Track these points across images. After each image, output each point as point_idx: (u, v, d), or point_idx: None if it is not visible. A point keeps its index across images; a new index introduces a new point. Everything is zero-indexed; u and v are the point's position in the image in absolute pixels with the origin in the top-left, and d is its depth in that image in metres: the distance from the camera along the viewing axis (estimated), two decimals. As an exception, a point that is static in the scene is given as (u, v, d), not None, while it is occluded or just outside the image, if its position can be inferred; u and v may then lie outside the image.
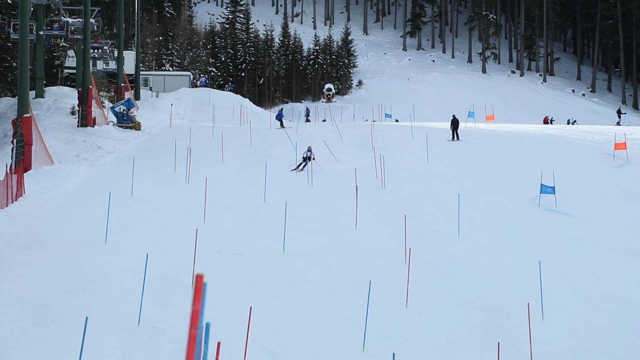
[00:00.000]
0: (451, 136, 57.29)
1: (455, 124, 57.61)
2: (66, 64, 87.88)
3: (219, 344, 8.64)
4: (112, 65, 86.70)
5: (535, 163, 47.82)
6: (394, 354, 14.64)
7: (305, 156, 41.40)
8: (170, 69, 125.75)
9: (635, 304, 25.82)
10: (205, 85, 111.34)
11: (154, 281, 23.10)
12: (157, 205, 35.48)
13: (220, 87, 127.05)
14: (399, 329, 22.25)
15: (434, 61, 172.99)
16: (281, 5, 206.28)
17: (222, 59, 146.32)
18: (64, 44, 77.31)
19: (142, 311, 20.98)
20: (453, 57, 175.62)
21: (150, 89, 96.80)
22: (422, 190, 41.62)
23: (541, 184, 39.44)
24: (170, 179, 41.86)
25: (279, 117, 67.05)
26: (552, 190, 38.78)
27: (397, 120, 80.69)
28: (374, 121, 73.96)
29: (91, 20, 66.51)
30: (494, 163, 49.68)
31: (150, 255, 22.95)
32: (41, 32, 64.01)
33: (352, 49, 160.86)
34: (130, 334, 20.25)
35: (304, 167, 41.04)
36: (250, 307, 18.17)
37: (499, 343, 18.01)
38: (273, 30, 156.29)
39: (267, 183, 38.78)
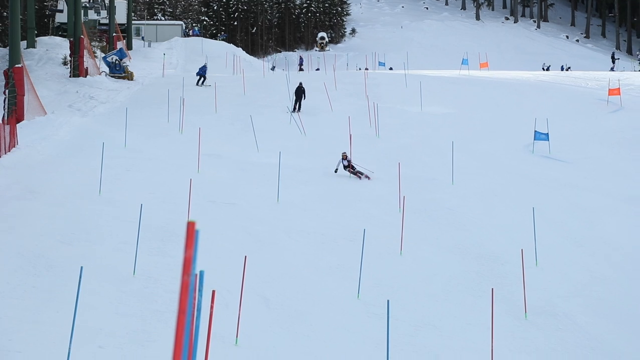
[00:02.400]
0: (292, 107, 47.63)
1: (299, 93, 47.83)
2: (57, 20, 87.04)
3: (213, 292, 8.68)
4: (104, 15, 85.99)
5: (529, 110, 47.75)
6: (388, 301, 14.69)
7: (345, 165, 33.24)
8: (163, 18, 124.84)
9: (628, 248, 25.93)
10: (198, 35, 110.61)
11: (149, 231, 23.12)
12: (150, 155, 35.41)
13: (213, 37, 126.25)
14: (394, 277, 22.34)
15: (427, 8, 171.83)
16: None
17: (215, 7, 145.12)
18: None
19: (137, 261, 21.03)
20: (447, 4, 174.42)
21: (143, 38, 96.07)
22: (416, 139, 41.58)
23: (535, 131, 39.42)
24: (164, 129, 41.73)
25: (202, 72, 58.01)
26: (546, 136, 38.77)
27: (390, 69, 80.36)
28: (367, 69, 73.69)
29: (81, -31, 65.75)
30: (487, 110, 49.57)
31: (145, 206, 22.94)
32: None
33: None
34: (126, 283, 20.31)
35: (354, 173, 33.25)
36: (245, 256, 18.19)
37: (492, 289, 18.08)
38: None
39: (261, 132, 38.67)
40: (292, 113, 45.16)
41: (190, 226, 3.49)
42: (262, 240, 24.63)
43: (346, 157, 32.80)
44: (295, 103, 47.06)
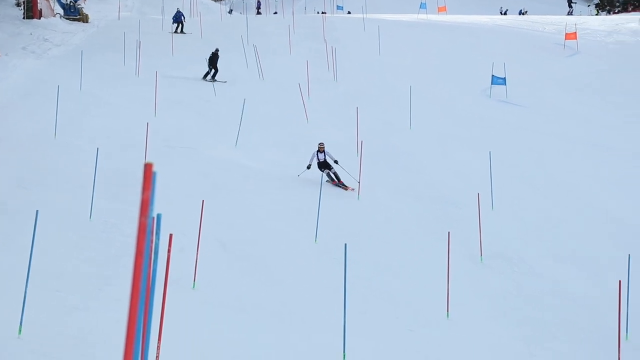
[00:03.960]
0: (206, 73, 41.68)
1: (213, 60, 41.68)
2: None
3: (170, 235, 8.67)
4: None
5: (487, 54, 47.79)
6: (345, 244, 14.77)
7: (321, 160, 25.82)
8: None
9: (583, 192, 26.24)
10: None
11: (105, 175, 22.94)
12: (107, 99, 35.03)
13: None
14: (352, 221, 22.45)
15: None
16: None
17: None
18: None
19: (94, 205, 20.89)
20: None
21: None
22: (374, 83, 41.52)
23: (492, 75, 39.55)
24: (120, 72, 41.24)
25: (178, 19, 54.60)
26: (503, 81, 38.93)
27: (349, 12, 79.88)
28: (324, 13, 73.19)
29: None
30: (445, 55, 49.54)
31: (101, 150, 22.73)
32: None
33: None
34: (83, 228, 20.19)
35: (331, 178, 25.99)
36: (203, 200, 18.15)
37: (449, 233, 18.23)
38: None
39: (219, 76, 38.31)
40: (209, 80, 40.61)
41: (148, 168, 3.47)
42: (220, 184, 24.58)
43: (323, 149, 25.72)
44: (210, 70, 41.12)
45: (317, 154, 25.68)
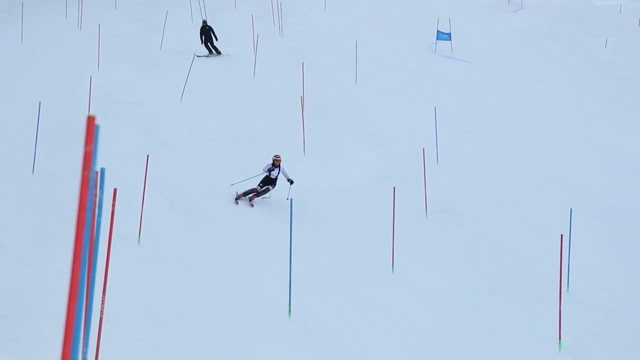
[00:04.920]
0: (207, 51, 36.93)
1: (206, 33, 36.96)
2: None
3: (115, 190, 8.59)
4: None
5: (432, 9, 47.77)
6: (291, 200, 14.76)
7: (272, 177, 20.95)
8: None
9: (525, 146, 26.46)
10: None
11: (48, 129, 22.60)
12: (48, 51, 34.40)
13: None
14: (297, 177, 22.42)
15: None
16: None
17: None
18: None
19: (37, 160, 20.62)
20: None
21: None
22: (319, 38, 41.27)
23: (437, 31, 39.58)
24: (62, 25, 40.51)
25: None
26: (448, 36, 38.98)
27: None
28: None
29: None
30: (391, 10, 49.41)
31: (43, 104, 22.39)
32: None
33: None
34: (26, 182, 19.95)
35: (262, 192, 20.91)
36: (148, 155, 18.01)
37: (394, 188, 18.31)
38: None
39: (165, 32, 37.81)
40: (215, 54, 36.51)
41: (90, 120, 3.39)
42: (166, 140, 24.36)
43: (279, 163, 20.77)
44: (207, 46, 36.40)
45: (270, 170, 20.82)
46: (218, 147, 24.33)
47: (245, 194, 20.77)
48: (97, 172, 4.90)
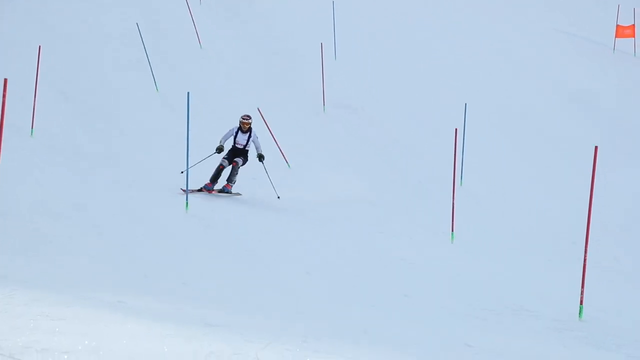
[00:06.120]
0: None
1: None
2: None
3: (5, 80, 8.33)
4: None
5: None
6: (188, 93, 14.52)
7: (239, 144, 15.94)
8: None
9: (419, 40, 26.58)
10: None
11: None
12: None
13: None
14: (194, 70, 22.14)
15: None
16: None
17: None
18: None
19: None
20: None
21: None
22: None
23: None
24: None
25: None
26: None
27: None
28: None
29: None
30: None
31: None
32: None
33: None
34: None
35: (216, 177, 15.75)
36: (40, 46, 17.56)
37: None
38: None
39: None
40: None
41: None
42: (58, 32, 23.54)
43: (249, 125, 15.77)
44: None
45: (237, 133, 15.94)
46: (112, 40, 23.62)
47: (202, 189, 15.45)
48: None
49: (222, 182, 15.45)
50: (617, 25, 28.72)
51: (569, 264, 10.82)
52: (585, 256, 9.67)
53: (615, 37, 28.62)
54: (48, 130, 17.09)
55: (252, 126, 15.74)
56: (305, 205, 15.90)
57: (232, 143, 15.84)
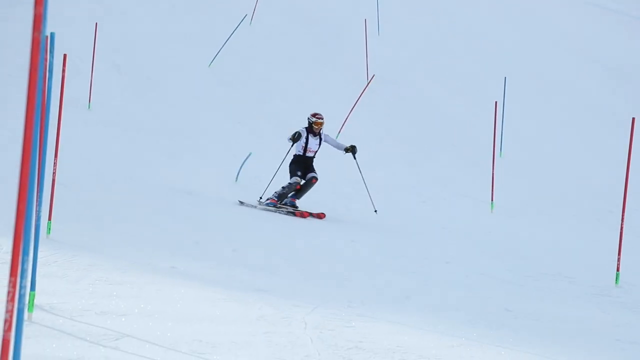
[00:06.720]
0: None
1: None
2: None
3: (64, 55, 8.41)
4: None
5: None
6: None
7: (310, 151, 12.75)
8: None
9: (463, 15, 26.37)
10: None
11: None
12: None
13: None
14: (244, 46, 22.11)
15: None
16: None
17: None
18: None
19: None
20: None
21: None
22: None
23: None
24: None
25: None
26: None
27: None
28: None
29: None
30: None
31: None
32: None
33: None
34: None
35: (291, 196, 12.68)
36: (96, 23, 17.63)
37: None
38: None
39: None
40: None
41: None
42: (112, 7, 23.67)
43: (321, 126, 12.67)
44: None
45: (306, 136, 12.72)
46: (164, 14, 23.71)
47: (279, 197, 12.57)
48: (47, 36, 4.78)
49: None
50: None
51: (607, 232, 10.75)
52: (622, 224, 9.63)
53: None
54: (103, 102, 17.23)
55: (323, 129, 12.73)
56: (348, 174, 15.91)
57: (300, 151, 12.69)
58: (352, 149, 12.69)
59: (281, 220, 11.92)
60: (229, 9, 24.05)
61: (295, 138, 12.51)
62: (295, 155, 12.79)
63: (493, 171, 14.41)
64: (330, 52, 21.85)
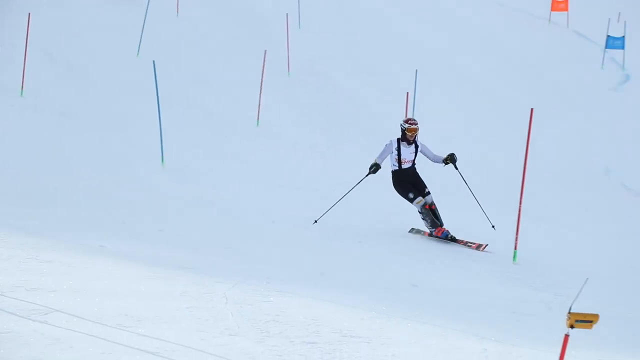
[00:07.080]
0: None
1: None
2: None
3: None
4: None
5: None
6: (154, 61, 14.47)
7: (405, 162, 11.05)
8: None
9: (377, 12, 26.55)
10: None
11: None
12: None
13: None
14: (171, 36, 21.97)
15: None
16: None
17: None
18: None
19: None
20: None
21: None
22: None
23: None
24: None
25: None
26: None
27: None
28: None
29: None
30: None
31: None
32: None
33: None
34: None
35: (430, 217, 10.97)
36: (29, 13, 17.33)
37: (265, 51, 18.23)
38: None
39: None
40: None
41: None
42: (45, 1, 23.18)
43: (415, 134, 11.01)
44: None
45: (397, 147, 11.09)
46: (96, 3, 23.27)
47: (432, 224, 10.93)
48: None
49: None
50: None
51: (509, 215, 10.91)
52: (520, 207, 9.88)
53: (551, 10, 28.89)
54: (36, 89, 16.92)
55: (418, 137, 11.04)
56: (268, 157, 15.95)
57: (395, 165, 10.99)
58: (451, 159, 11.05)
59: (206, 202, 11.92)
60: (158, 1, 23.81)
61: (373, 170, 10.90)
62: (393, 173, 11.05)
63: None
64: (255, 44, 21.81)
